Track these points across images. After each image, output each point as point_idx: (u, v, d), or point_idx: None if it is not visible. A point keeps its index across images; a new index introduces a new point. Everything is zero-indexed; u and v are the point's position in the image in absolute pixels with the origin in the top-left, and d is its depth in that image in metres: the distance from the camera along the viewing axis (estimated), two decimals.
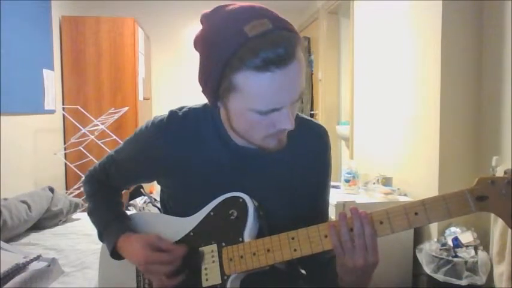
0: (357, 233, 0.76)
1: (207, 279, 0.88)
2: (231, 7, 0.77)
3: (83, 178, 1.11)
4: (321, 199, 1.01)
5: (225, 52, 0.72)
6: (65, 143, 3.34)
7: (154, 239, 0.90)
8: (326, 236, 0.80)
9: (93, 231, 1.03)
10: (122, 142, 1.04)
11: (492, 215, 1.87)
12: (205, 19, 0.80)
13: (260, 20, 0.72)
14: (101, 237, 1.01)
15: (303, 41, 0.77)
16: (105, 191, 1.07)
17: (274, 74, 0.71)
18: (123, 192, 1.15)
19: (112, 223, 0.98)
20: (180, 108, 0.95)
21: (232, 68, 0.73)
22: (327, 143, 1.00)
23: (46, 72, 3.01)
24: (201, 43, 0.79)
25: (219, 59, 0.73)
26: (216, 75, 0.75)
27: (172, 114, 0.94)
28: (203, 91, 0.82)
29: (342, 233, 0.77)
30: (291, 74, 0.73)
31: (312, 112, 4.64)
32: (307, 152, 0.95)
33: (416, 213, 0.76)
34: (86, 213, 1.09)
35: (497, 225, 1.83)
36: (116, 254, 0.96)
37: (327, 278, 0.91)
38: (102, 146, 2.98)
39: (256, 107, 0.75)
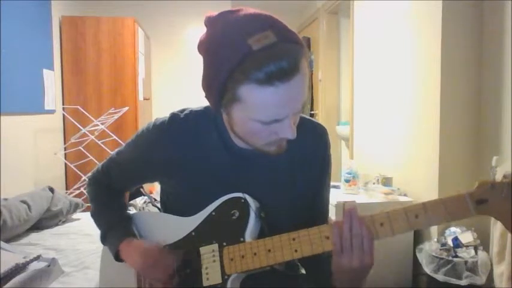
0: (355, 233, 0.77)
1: (207, 279, 0.88)
2: (235, 15, 0.76)
3: (87, 181, 1.12)
4: (320, 198, 1.02)
5: (228, 64, 0.72)
6: (65, 143, 3.33)
7: (151, 246, 0.92)
8: (327, 237, 0.80)
9: (93, 231, 1.04)
10: (122, 142, 1.05)
11: None
12: (209, 24, 0.79)
13: (264, 33, 0.71)
14: (104, 240, 1.01)
15: (307, 51, 0.76)
16: (108, 193, 1.07)
17: (277, 88, 0.71)
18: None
19: (114, 227, 0.99)
20: (182, 111, 0.96)
21: (235, 81, 0.72)
22: (327, 142, 1.00)
23: (46, 72, 3.00)
24: (205, 49, 0.78)
25: (222, 70, 0.73)
26: (218, 87, 0.75)
27: (174, 116, 0.94)
28: (206, 97, 0.82)
29: (344, 231, 0.77)
30: (294, 87, 0.73)
31: (312, 112, 4.64)
32: (307, 152, 0.95)
33: (416, 216, 0.77)
34: (85, 213, 1.09)
35: (497, 226, 1.83)
36: (119, 257, 0.97)
37: (323, 275, 0.91)
38: (102, 146, 2.97)
39: (259, 117, 0.76)
